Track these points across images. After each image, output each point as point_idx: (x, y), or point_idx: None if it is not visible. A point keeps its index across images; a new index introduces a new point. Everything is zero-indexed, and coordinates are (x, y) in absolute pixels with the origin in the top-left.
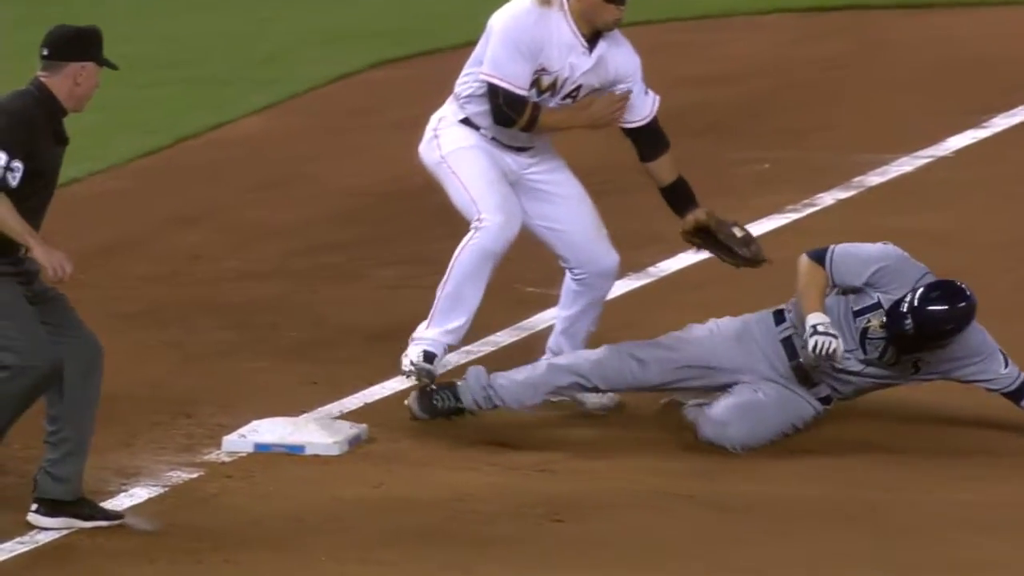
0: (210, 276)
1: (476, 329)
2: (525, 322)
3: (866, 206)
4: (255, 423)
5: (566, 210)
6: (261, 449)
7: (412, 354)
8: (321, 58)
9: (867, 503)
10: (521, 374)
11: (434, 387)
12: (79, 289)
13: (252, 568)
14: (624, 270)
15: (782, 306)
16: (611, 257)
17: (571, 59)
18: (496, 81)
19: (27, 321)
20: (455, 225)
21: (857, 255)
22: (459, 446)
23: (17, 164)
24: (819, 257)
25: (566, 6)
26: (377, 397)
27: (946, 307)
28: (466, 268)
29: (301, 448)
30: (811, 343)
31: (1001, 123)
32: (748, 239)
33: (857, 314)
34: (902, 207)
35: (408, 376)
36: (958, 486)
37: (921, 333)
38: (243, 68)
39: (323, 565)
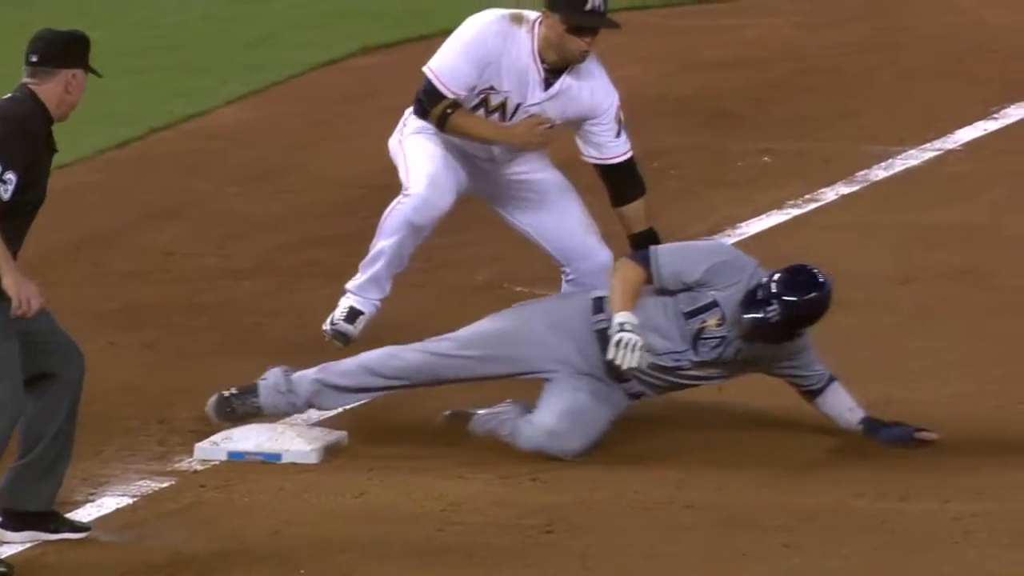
0: (187, 273)
1: None
2: None
3: (871, 201)
4: (229, 430)
5: (549, 211)
6: (235, 457)
7: (338, 310)
8: (306, 43)
9: (877, 513)
10: (317, 375)
11: (234, 392)
12: (49, 288)
13: None
14: None
15: (603, 293)
16: (602, 254)
17: (524, 86)
18: (428, 71)
19: (15, 355)
20: (447, 220)
21: (688, 253)
22: (445, 453)
23: (10, 176)
24: (641, 259)
25: (536, 30)
26: (359, 402)
27: (813, 293)
28: (389, 230)
29: (278, 456)
30: (615, 339)
31: (1015, 113)
32: None
33: (689, 315)
34: (909, 202)
35: (326, 337)
36: (972, 496)
37: (787, 320)
38: (223, 54)
39: None
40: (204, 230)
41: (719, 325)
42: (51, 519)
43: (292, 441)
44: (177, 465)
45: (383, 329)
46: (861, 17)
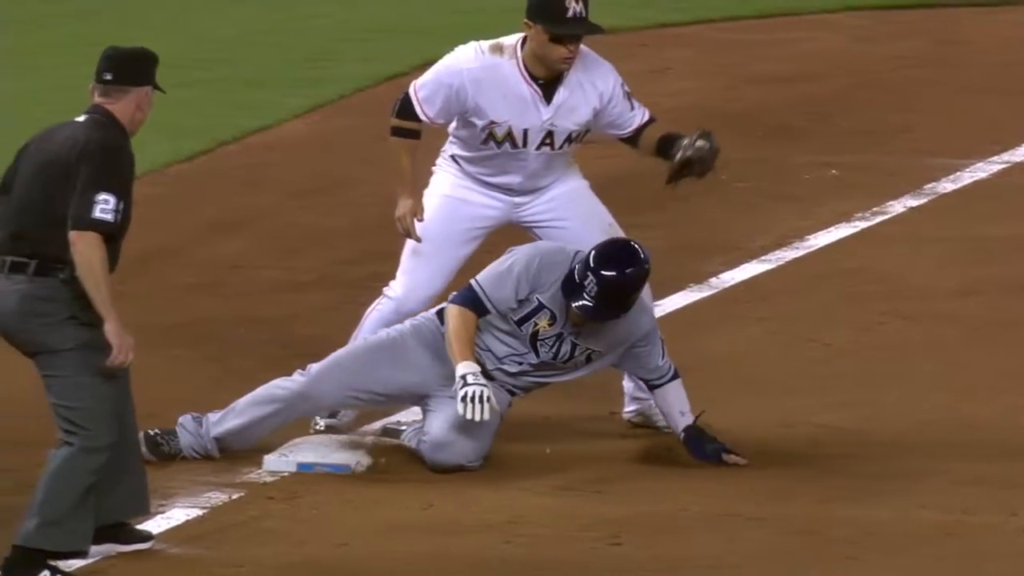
0: (251, 287)
1: None
2: None
3: (939, 214)
4: (297, 441)
5: (574, 232)
6: (303, 469)
7: None
8: (366, 57)
9: (941, 526)
10: (218, 420)
11: (158, 431)
12: (115, 299)
13: None
14: (684, 281)
15: (444, 305)
16: None
17: (524, 110)
18: (412, 88)
19: (113, 397)
20: (505, 233)
21: (509, 274)
22: (507, 465)
23: (122, 205)
24: (468, 299)
25: (519, 53)
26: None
27: (628, 268)
28: (371, 329)
29: (346, 468)
30: (461, 393)
31: None
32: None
33: (520, 322)
34: (978, 215)
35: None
36: None
37: (606, 293)
38: (282, 68)
39: None
40: (267, 243)
41: (551, 324)
42: (122, 530)
43: (360, 453)
44: (245, 477)
45: None
46: (920, 32)
